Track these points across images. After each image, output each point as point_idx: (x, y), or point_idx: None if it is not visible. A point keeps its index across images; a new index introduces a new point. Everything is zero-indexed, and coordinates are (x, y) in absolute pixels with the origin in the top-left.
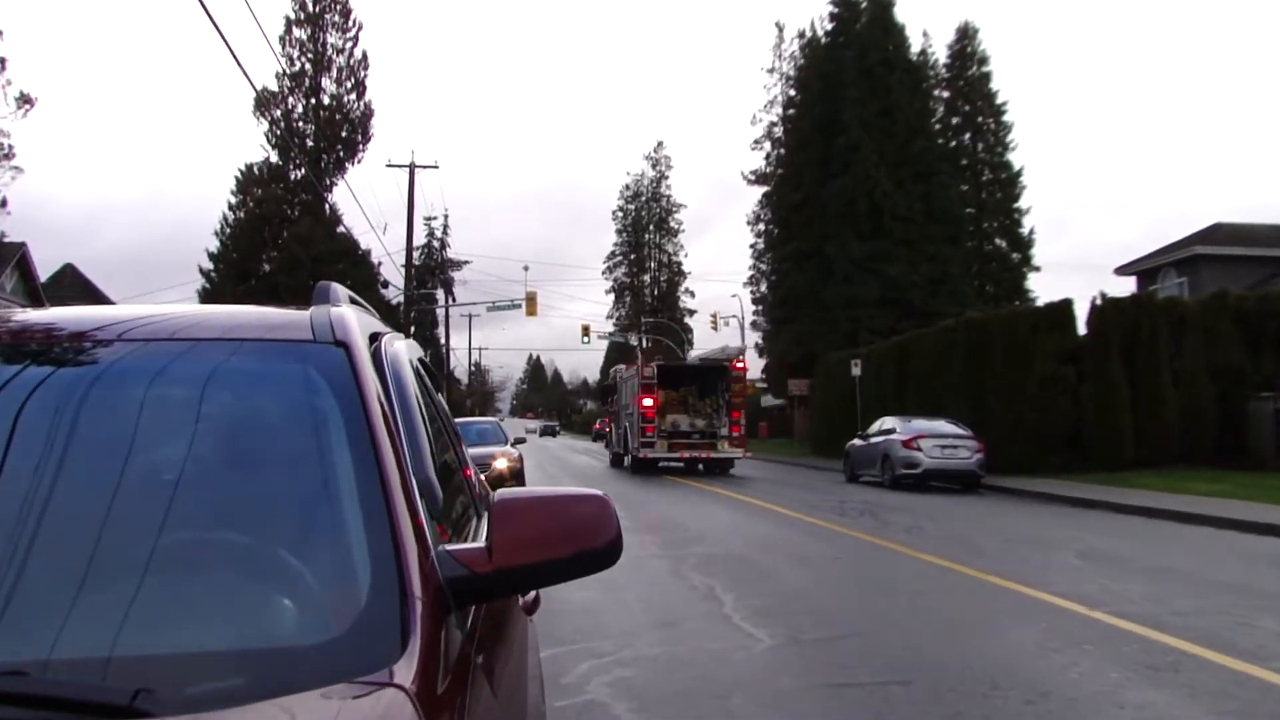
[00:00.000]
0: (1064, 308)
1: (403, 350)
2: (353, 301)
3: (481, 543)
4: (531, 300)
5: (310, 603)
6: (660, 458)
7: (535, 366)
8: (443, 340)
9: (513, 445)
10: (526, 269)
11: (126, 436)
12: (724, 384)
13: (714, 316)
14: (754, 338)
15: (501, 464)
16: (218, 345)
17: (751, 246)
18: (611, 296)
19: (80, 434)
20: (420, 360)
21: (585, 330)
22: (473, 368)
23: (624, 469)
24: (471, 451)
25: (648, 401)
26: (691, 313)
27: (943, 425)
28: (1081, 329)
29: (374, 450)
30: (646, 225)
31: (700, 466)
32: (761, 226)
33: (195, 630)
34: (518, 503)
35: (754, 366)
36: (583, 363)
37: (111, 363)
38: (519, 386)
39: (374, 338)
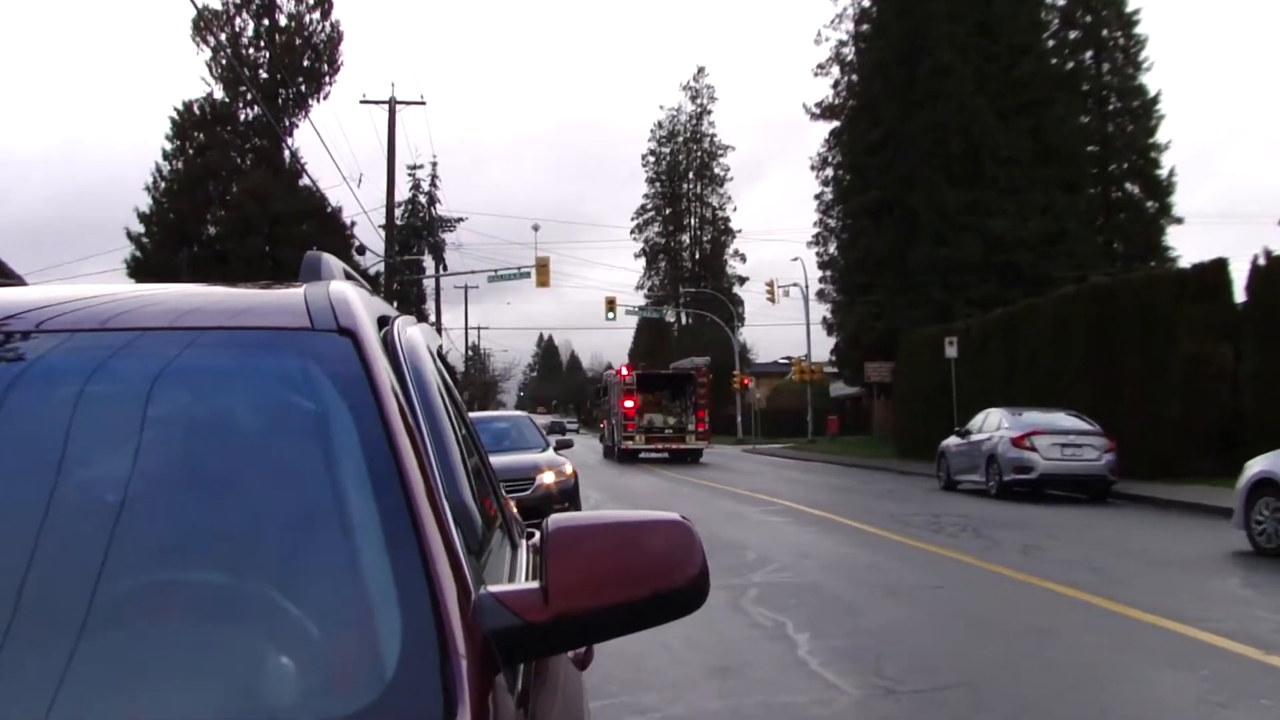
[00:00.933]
0: (1217, 269)
1: (419, 338)
2: (348, 277)
3: (533, 583)
4: (543, 268)
5: (320, 662)
6: (639, 449)
7: (547, 349)
8: (432, 317)
9: (557, 450)
10: (536, 229)
11: (69, 453)
12: (691, 388)
13: (770, 286)
14: (820, 311)
15: (548, 478)
16: (191, 336)
17: (817, 198)
18: (642, 262)
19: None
20: (438, 351)
21: (610, 304)
22: (470, 351)
23: (614, 460)
24: (499, 461)
25: (629, 403)
26: (742, 280)
27: (1062, 419)
28: (1239, 295)
29: (396, 467)
30: (685, 172)
31: (667, 455)
32: (829, 172)
33: (164, 701)
34: (579, 530)
35: (821, 346)
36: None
37: (38, 359)
38: (527, 374)
39: (382, 322)
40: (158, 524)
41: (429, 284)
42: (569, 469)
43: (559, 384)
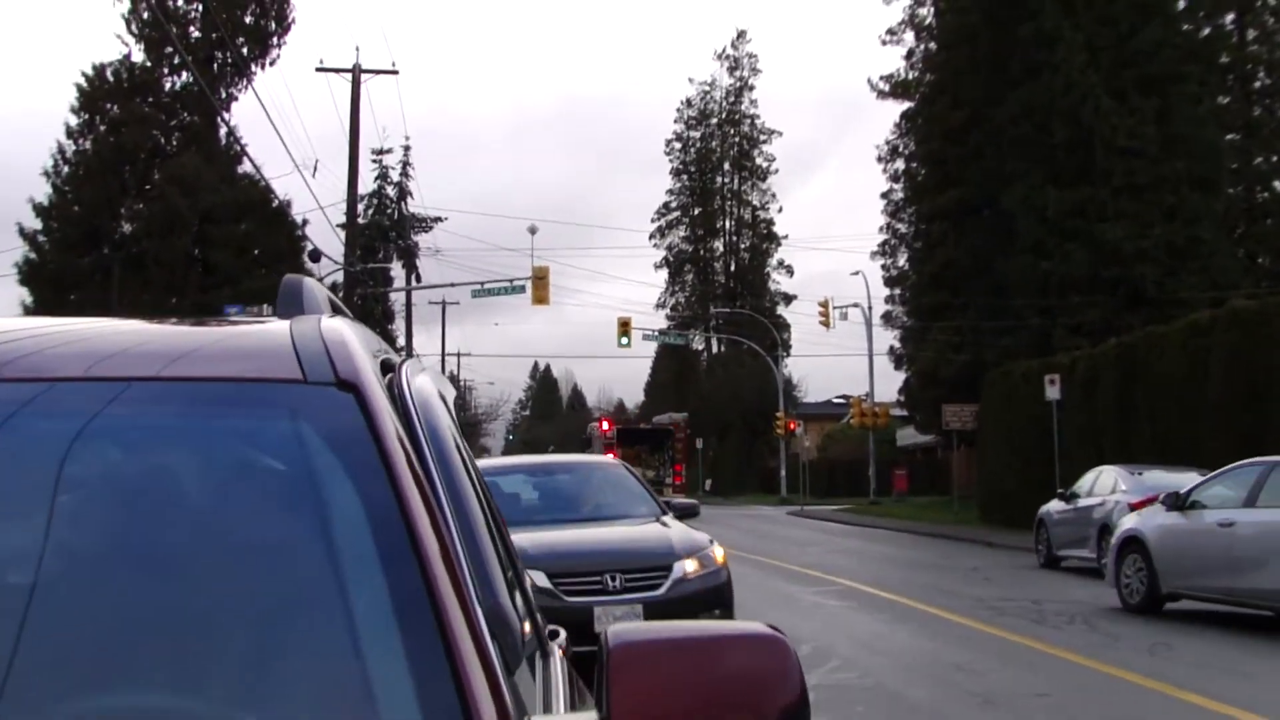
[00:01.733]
0: None
1: (430, 389)
2: (334, 310)
3: (588, 715)
4: (541, 280)
5: None
6: None
7: (543, 382)
8: (401, 339)
9: (683, 518)
10: (533, 231)
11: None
12: (669, 443)
13: (824, 306)
14: (886, 338)
15: (689, 566)
16: (148, 390)
17: (884, 197)
18: (664, 274)
19: None
20: (453, 403)
21: (624, 328)
22: (451, 379)
23: None
24: (604, 537)
25: (609, 457)
26: (788, 299)
27: (1194, 480)
28: None
29: (417, 560)
30: (719, 163)
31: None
32: (899, 165)
33: None
34: (648, 647)
35: (886, 383)
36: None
37: None
38: (517, 413)
39: (385, 368)
40: (90, 638)
41: (398, 299)
42: (718, 554)
43: (557, 425)
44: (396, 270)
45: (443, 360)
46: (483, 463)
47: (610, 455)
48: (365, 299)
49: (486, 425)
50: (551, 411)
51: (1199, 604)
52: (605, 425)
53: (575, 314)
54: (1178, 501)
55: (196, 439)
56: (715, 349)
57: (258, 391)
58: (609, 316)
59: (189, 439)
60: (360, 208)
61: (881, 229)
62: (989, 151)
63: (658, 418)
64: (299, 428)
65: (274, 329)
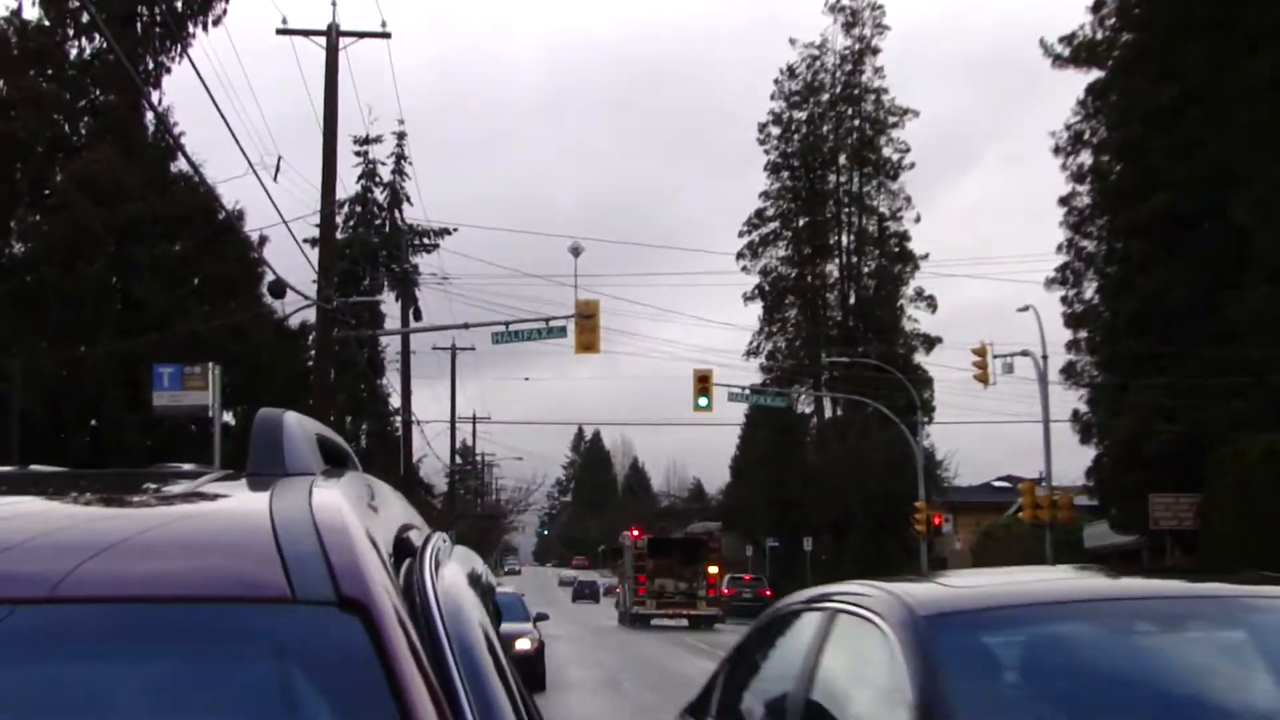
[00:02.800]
0: None
1: (461, 590)
2: (331, 456)
3: None
4: (588, 320)
5: None
6: (650, 614)
7: (592, 455)
8: (393, 400)
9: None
10: (577, 252)
11: None
12: (703, 553)
13: (981, 355)
14: (1067, 400)
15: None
16: (28, 620)
17: (1064, 203)
18: (757, 309)
19: None
20: (486, 590)
21: (702, 384)
22: (458, 460)
23: (628, 626)
24: None
25: (640, 568)
26: (930, 344)
27: None
28: None
29: None
30: (832, 155)
31: (685, 623)
32: (1084, 159)
33: None
34: None
35: (1069, 461)
36: (694, 447)
37: None
38: (554, 499)
39: (401, 550)
40: None
41: (392, 343)
42: None
43: (611, 516)
44: (389, 304)
45: (452, 429)
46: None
47: (640, 565)
48: (345, 345)
49: (513, 519)
50: (602, 496)
51: None
52: (636, 534)
53: (634, 366)
54: None
55: (122, 698)
56: (829, 412)
57: (219, 620)
58: (682, 369)
59: (107, 701)
60: (339, 219)
61: (1060, 248)
62: (1212, 141)
63: (692, 527)
64: (285, 675)
65: (243, 509)
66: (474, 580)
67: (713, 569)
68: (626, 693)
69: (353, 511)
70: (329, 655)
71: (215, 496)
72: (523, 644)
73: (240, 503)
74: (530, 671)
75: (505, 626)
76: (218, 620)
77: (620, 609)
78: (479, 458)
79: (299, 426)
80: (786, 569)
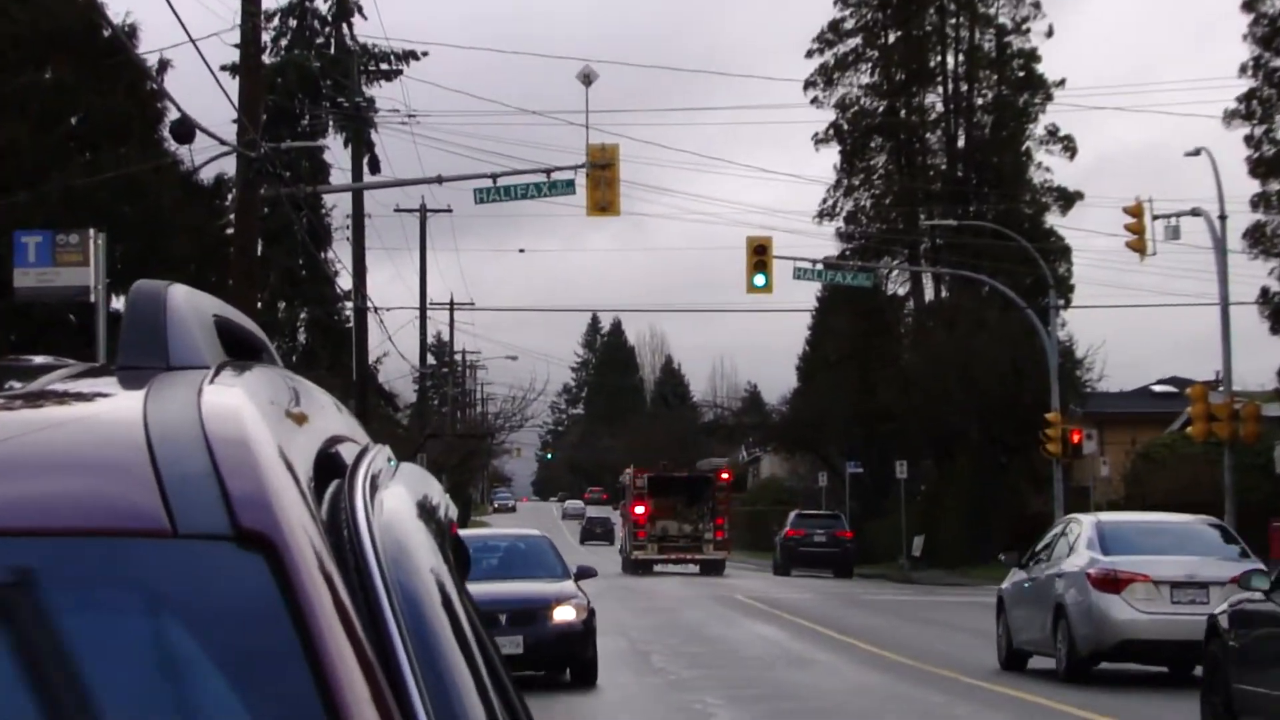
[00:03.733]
0: None
1: (407, 523)
2: (237, 345)
3: None
4: (604, 171)
5: None
6: (652, 560)
7: (610, 351)
8: (342, 281)
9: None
10: (588, 80)
11: None
12: (709, 493)
13: (1136, 214)
14: (1255, 273)
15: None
16: None
17: (1249, 8)
18: (832, 155)
19: None
20: (447, 527)
21: (759, 256)
22: (431, 359)
23: (631, 573)
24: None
25: (639, 509)
26: (1067, 200)
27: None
28: None
29: None
30: None
31: (696, 569)
32: None
33: None
34: None
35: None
36: (748, 340)
37: None
38: (560, 409)
39: (326, 468)
40: None
41: (340, 204)
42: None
43: (636, 431)
44: (336, 151)
45: (422, 319)
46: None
47: (639, 507)
48: (277, 207)
49: (503, 438)
50: (624, 407)
51: None
52: (636, 472)
53: (667, 233)
54: None
55: None
56: (931, 294)
57: (71, 561)
58: (731, 238)
59: None
60: (267, 36)
61: (1244, 69)
62: None
63: (701, 463)
64: (160, 633)
65: (107, 414)
66: (426, 511)
67: (720, 509)
68: (659, 669)
69: (258, 417)
70: (221, 607)
71: (70, 397)
72: (564, 613)
73: (104, 406)
74: (572, 655)
75: (533, 587)
76: (69, 562)
77: (622, 554)
78: (458, 357)
79: (189, 304)
80: (873, 503)
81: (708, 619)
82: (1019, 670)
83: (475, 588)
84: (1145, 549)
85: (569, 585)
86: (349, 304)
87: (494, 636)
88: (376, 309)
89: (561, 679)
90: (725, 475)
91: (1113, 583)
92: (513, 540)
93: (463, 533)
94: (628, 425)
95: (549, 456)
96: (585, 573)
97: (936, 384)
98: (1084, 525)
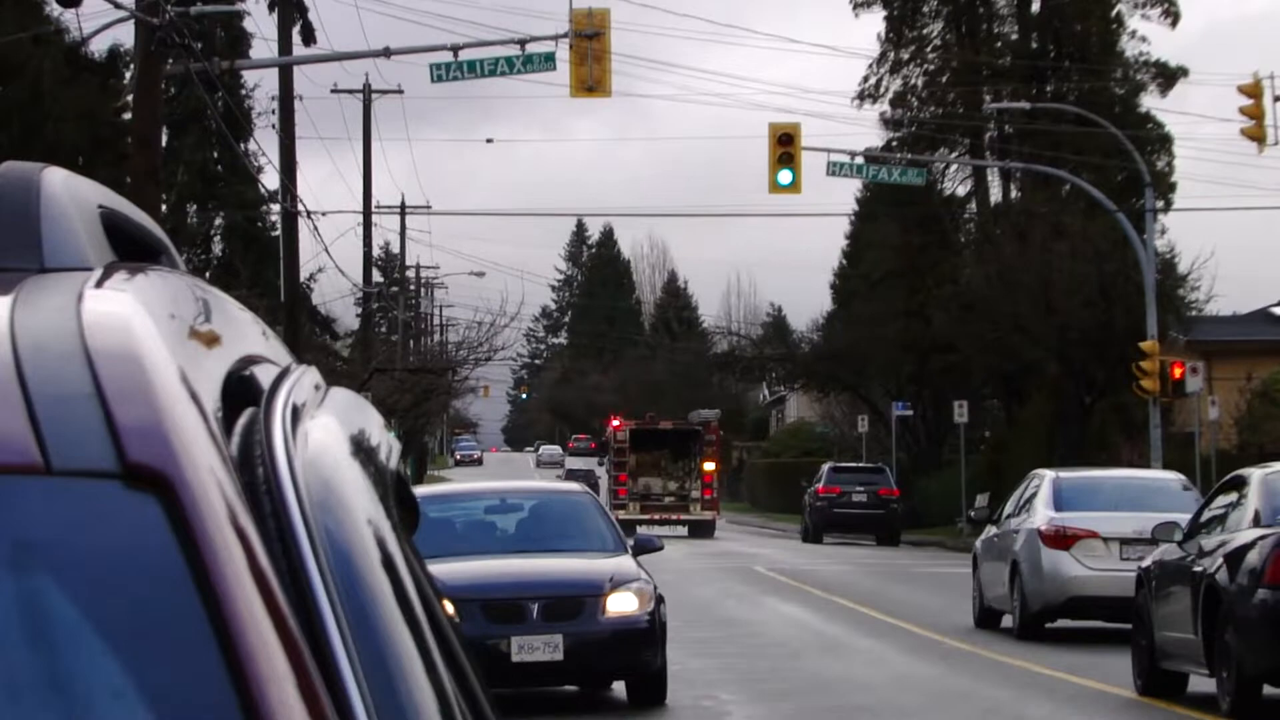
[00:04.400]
0: None
1: (343, 471)
2: (129, 245)
3: None
4: (593, 42)
5: None
6: (633, 519)
7: (599, 263)
8: (266, 178)
9: (634, 555)
10: None
11: None
12: (697, 447)
13: (1255, 96)
14: None
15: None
16: None
17: None
18: (875, 21)
19: None
20: (395, 472)
21: (785, 147)
22: (373, 279)
23: None
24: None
25: (621, 464)
26: (1167, 78)
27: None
28: None
29: None
30: None
31: (685, 531)
32: None
33: None
34: None
35: None
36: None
37: None
38: (538, 338)
39: (238, 396)
40: None
41: (264, 82)
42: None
43: (633, 364)
44: (259, 18)
45: (366, 224)
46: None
47: (619, 462)
48: (186, 86)
49: (469, 375)
50: (618, 334)
51: None
52: (616, 424)
53: (670, 119)
54: None
55: None
56: (998, 194)
57: None
58: (750, 124)
59: None
60: None
61: None
62: None
63: (693, 414)
64: (30, 590)
65: None
66: (362, 448)
67: (709, 465)
68: (675, 662)
69: (153, 329)
70: (104, 560)
71: None
72: (622, 601)
73: None
74: (633, 662)
75: (576, 565)
76: None
77: None
78: (411, 273)
79: (68, 192)
80: (925, 453)
81: (719, 596)
82: (992, 628)
83: (488, 565)
84: (1100, 505)
85: (627, 562)
86: (275, 207)
87: (516, 635)
88: (309, 213)
89: (609, 695)
90: (713, 430)
91: (1062, 539)
92: (540, 497)
93: (461, 485)
94: (621, 359)
95: (524, 397)
96: (646, 545)
97: (1005, 306)
98: (1044, 481)
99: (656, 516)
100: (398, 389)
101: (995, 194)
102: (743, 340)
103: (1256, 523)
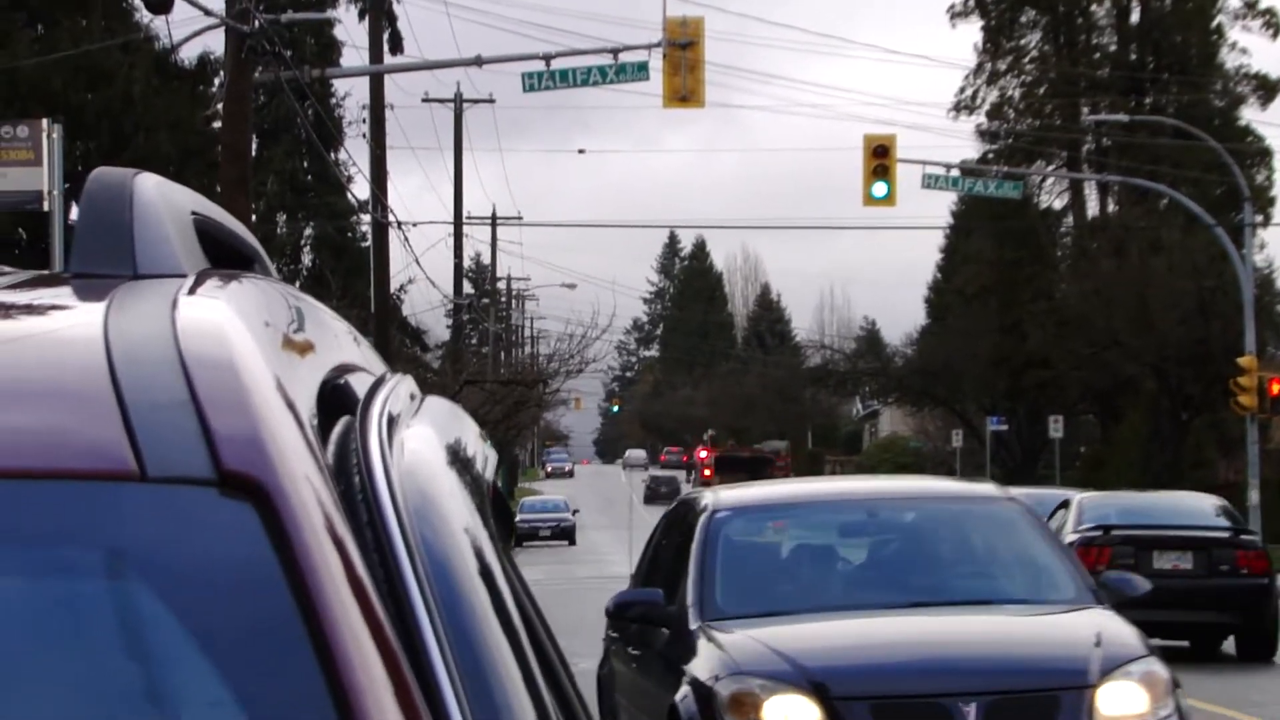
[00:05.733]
0: None
1: (440, 480)
2: (222, 253)
3: None
4: (687, 53)
5: None
6: None
7: (692, 275)
8: (357, 188)
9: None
10: None
11: None
12: (768, 471)
13: None
14: None
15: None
16: None
17: None
18: (972, 31)
19: None
20: (484, 476)
21: (880, 159)
22: (464, 290)
23: None
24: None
25: (705, 483)
26: (1268, 89)
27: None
28: None
29: None
30: None
31: None
32: None
33: None
34: None
35: None
36: (862, 266)
37: None
38: (629, 350)
39: (331, 402)
40: None
41: (355, 90)
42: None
43: (723, 379)
44: (350, 26)
45: (457, 236)
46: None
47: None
48: (276, 96)
49: (558, 386)
50: (710, 347)
51: None
52: (703, 453)
53: (764, 130)
54: None
55: None
56: (1096, 207)
57: (17, 509)
58: (845, 137)
59: None
60: None
61: None
62: None
63: (766, 444)
64: (125, 597)
65: (58, 331)
66: (459, 458)
67: None
68: None
69: (248, 336)
70: (199, 569)
71: (10, 311)
72: (1122, 698)
73: (54, 322)
74: None
75: (1036, 627)
76: (8, 511)
77: None
78: (502, 285)
79: (162, 198)
80: (1020, 468)
81: None
82: None
83: (868, 630)
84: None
85: (1112, 622)
86: (365, 218)
87: None
88: (400, 224)
89: None
90: (782, 459)
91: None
92: (931, 505)
93: (785, 486)
94: (713, 372)
95: (615, 410)
96: (1125, 589)
97: (1101, 322)
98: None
99: None
100: (489, 401)
101: (1092, 208)
102: (836, 354)
103: (1075, 529)
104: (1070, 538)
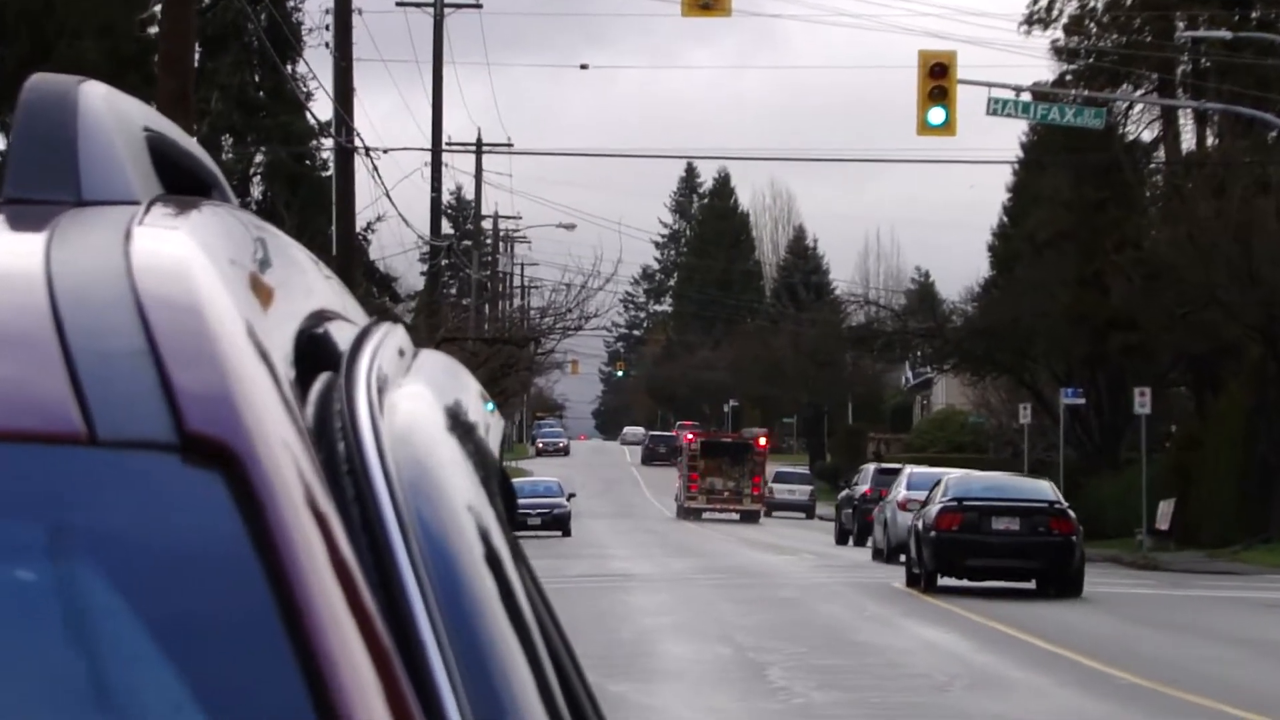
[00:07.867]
0: None
1: (437, 447)
2: (179, 176)
3: None
4: None
5: None
6: (701, 508)
7: (712, 215)
8: (317, 106)
9: None
10: None
11: None
12: (749, 456)
13: None
14: None
15: None
16: None
17: None
18: None
19: None
20: (489, 445)
21: (938, 81)
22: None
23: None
24: None
25: (693, 468)
26: None
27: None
28: None
29: None
30: None
31: (736, 517)
32: None
33: None
34: None
35: None
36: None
37: None
38: (637, 305)
39: (313, 357)
40: None
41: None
42: None
43: (742, 339)
44: None
45: (435, 165)
46: None
47: (692, 465)
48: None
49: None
50: (733, 299)
51: None
52: (690, 438)
53: (801, 45)
54: None
55: None
56: (1191, 140)
57: None
58: (896, 54)
59: None
60: None
61: None
62: None
63: (745, 431)
64: (72, 577)
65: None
66: (459, 423)
67: (758, 469)
68: (779, 689)
69: (215, 276)
70: (159, 546)
71: None
72: None
73: None
74: None
75: None
76: None
77: (677, 503)
78: (488, 224)
79: (111, 110)
80: (1099, 450)
81: (850, 617)
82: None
83: None
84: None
85: None
86: (327, 142)
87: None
88: (368, 150)
89: None
90: (762, 443)
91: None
92: None
93: None
94: (736, 330)
95: (619, 375)
96: None
97: (1198, 275)
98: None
99: (718, 505)
100: (470, 362)
101: (1188, 140)
102: (882, 311)
103: (939, 500)
104: (935, 506)
